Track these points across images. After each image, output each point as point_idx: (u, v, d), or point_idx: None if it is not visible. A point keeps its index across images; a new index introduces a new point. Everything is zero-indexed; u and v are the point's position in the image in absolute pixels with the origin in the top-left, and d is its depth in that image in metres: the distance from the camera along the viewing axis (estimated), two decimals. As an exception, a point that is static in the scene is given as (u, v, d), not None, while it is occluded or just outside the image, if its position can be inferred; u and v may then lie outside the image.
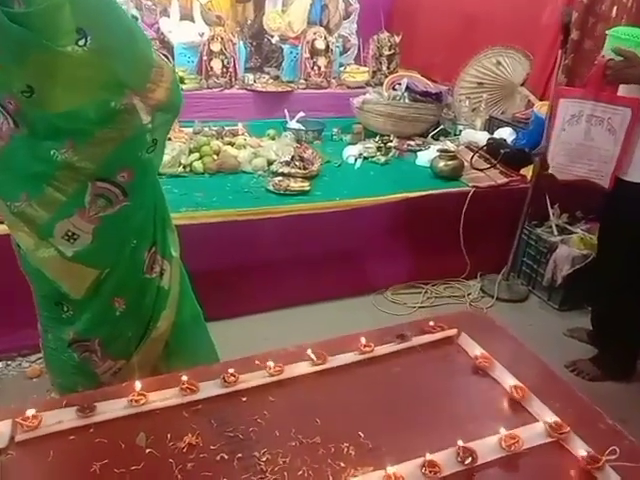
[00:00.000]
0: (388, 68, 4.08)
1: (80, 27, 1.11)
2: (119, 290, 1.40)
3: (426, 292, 2.77)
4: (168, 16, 3.66)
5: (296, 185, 2.57)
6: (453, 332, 1.39)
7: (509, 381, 1.22)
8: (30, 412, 1.04)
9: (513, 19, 3.56)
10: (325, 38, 3.86)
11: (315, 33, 3.84)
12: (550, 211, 2.78)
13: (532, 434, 1.08)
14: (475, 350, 1.32)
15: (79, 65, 1.13)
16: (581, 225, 2.76)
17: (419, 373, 1.28)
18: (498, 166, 2.93)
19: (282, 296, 2.53)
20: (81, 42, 1.12)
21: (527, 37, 3.47)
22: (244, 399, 1.15)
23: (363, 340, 1.31)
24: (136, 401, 1.11)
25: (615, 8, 2.33)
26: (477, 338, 1.37)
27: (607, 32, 1.87)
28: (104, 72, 1.16)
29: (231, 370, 1.18)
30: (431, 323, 1.41)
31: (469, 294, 2.77)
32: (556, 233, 2.72)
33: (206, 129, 3.10)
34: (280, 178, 2.63)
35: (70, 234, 1.28)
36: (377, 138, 3.28)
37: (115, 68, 1.17)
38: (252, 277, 2.43)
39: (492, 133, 3.33)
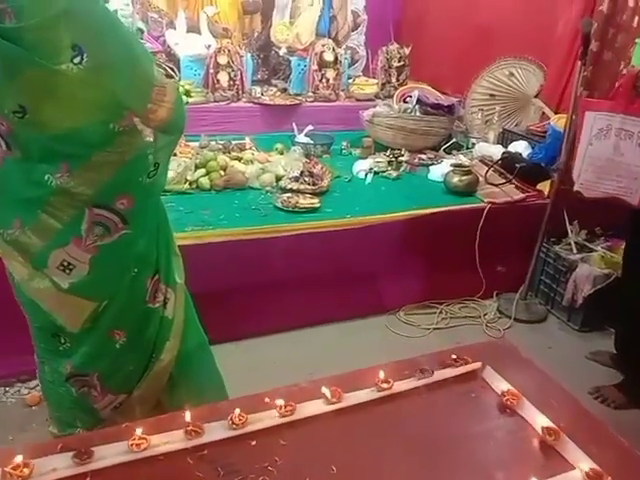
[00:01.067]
0: (397, 80, 4.03)
1: (76, 43, 1.04)
2: (119, 322, 1.32)
3: (441, 312, 2.68)
4: (174, 28, 3.63)
5: (305, 202, 2.49)
6: (477, 365, 1.30)
7: (540, 421, 1.12)
8: (20, 459, 0.96)
9: (526, 30, 3.49)
10: (333, 50, 3.80)
11: (323, 45, 3.79)
12: (569, 228, 2.69)
13: (570, 485, 0.99)
14: (501, 385, 1.23)
15: (75, 84, 1.05)
16: (601, 242, 2.66)
17: (442, 412, 1.19)
18: (514, 181, 2.85)
19: (291, 317, 2.45)
20: (77, 60, 1.04)
21: (540, 48, 3.40)
22: (253, 443, 1.06)
23: (381, 375, 1.22)
24: (137, 445, 1.02)
25: (637, 18, 2.25)
26: (502, 371, 1.28)
27: (637, 41, 1.79)
28: (102, 91, 1.08)
29: (238, 410, 1.10)
30: (453, 356, 1.32)
31: (485, 314, 2.67)
32: (575, 251, 2.62)
33: (213, 143, 3.04)
34: (289, 194, 2.56)
35: (66, 264, 1.20)
36: (388, 152, 3.21)
37: (113, 87, 1.09)
38: (260, 297, 2.36)
39: (506, 146, 3.25)
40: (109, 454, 1.01)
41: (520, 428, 1.14)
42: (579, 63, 2.28)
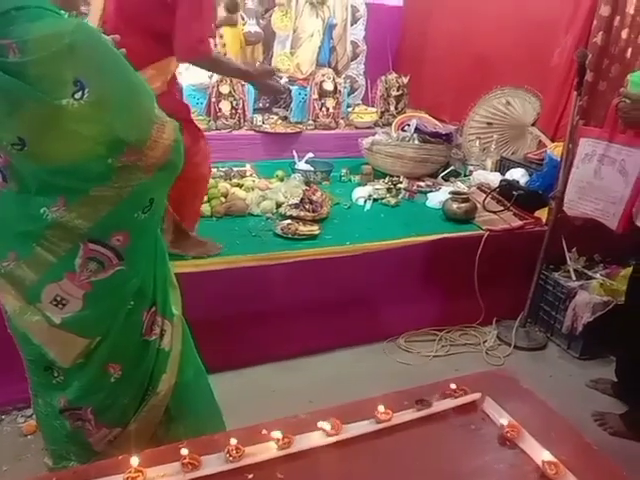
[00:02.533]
0: (396, 108, 4.08)
1: (77, 79, 1.05)
2: (114, 356, 1.30)
3: (440, 339, 2.66)
4: (177, 58, 3.68)
5: (305, 229, 2.50)
6: (477, 396, 1.29)
7: (541, 455, 1.11)
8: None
9: (522, 59, 3.54)
10: (333, 79, 3.87)
11: (323, 75, 3.85)
12: (567, 255, 2.69)
13: (572, 522, 0.97)
14: (502, 418, 1.21)
15: (75, 119, 1.06)
16: (600, 269, 2.66)
17: (441, 445, 1.18)
18: (512, 208, 2.86)
19: (290, 345, 2.43)
20: (78, 95, 1.05)
21: (537, 77, 3.45)
22: (250, 476, 1.05)
23: (381, 408, 1.20)
24: (132, 479, 1.01)
25: (630, 49, 2.30)
26: (503, 402, 1.27)
27: (628, 77, 1.84)
28: (101, 127, 1.08)
29: (235, 442, 1.08)
30: (452, 386, 1.31)
31: (485, 342, 2.66)
32: (574, 278, 2.62)
33: (214, 170, 3.06)
34: (289, 221, 2.57)
35: (59, 299, 1.19)
36: (387, 179, 3.24)
37: (113, 123, 1.09)
38: (259, 325, 2.34)
39: (503, 174, 3.27)
40: (104, 488, 1.00)
41: (521, 462, 1.13)
42: (575, 93, 2.32)
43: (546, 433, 1.19)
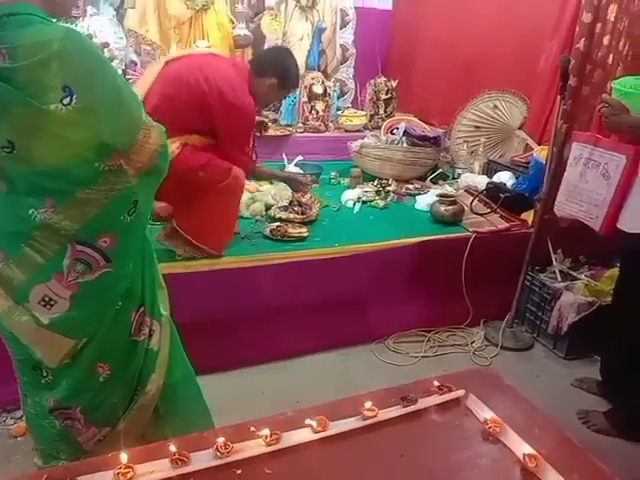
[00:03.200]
0: (385, 112, 4.12)
1: (66, 85, 1.07)
2: (102, 356, 1.31)
3: (429, 340, 2.69)
4: (167, 62, 3.69)
5: (294, 231, 2.53)
6: (461, 393, 1.32)
7: (522, 449, 1.14)
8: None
9: (509, 64, 3.60)
10: (323, 83, 3.90)
11: (313, 78, 3.89)
12: (553, 256, 2.74)
13: (550, 512, 1.00)
14: (484, 413, 1.24)
15: (63, 124, 1.08)
16: (585, 271, 2.71)
17: (425, 440, 1.21)
18: (498, 210, 2.90)
19: (279, 346, 2.45)
20: (66, 100, 1.07)
21: (524, 82, 3.50)
22: (239, 471, 1.07)
23: (367, 404, 1.23)
24: (123, 475, 1.02)
25: (611, 55, 2.35)
26: (486, 399, 1.30)
27: (610, 83, 1.89)
28: (89, 132, 1.11)
29: (223, 439, 1.10)
30: (436, 383, 1.34)
31: (473, 342, 2.69)
32: (560, 279, 2.66)
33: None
34: (278, 224, 2.59)
35: (47, 299, 1.20)
36: (375, 182, 3.27)
37: (100, 128, 1.11)
38: (248, 327, 2.36)
39: (491, 177, 3.32)
40: (94, 484, 1.01)
41: (502, 455, 1.15)
42: (559, 97, 2.37)
43: (528, 428, 1.22)
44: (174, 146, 2.00)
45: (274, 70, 2.15)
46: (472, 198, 3.00)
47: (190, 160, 2.04)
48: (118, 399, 1.38)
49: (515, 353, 2.64)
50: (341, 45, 4.34)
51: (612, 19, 2.29)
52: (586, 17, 2.26)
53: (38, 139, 1.09)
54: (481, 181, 3.21)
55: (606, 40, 2.31)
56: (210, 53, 2.18)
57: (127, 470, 1.03)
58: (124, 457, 1.05)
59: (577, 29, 2.34)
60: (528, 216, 2.83)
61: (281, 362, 2.44)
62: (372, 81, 4.18)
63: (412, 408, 1.26)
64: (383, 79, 4.17)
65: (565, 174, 2.22)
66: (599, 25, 2.27)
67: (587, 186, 2.10)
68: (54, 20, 1.16)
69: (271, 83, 2.16)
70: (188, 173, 2.02)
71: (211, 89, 2.01)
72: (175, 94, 2.01)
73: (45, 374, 1.32)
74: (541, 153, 2.90)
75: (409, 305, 2.72)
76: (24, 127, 1.08)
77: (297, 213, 2.67)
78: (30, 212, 1.13)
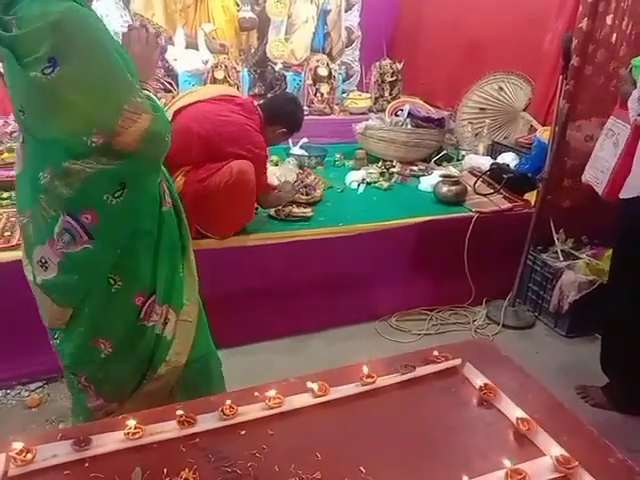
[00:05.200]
0: (390, 94, 4.13)
1: (52, 56, 1.10)
2: (100, 331, 1.36)
3: (431, 319, 2.74)
4: (173, 45, 3.72)
5: (299, 211, 2.57)
6: (457, 362, 1.36)
7: (515, 413, 1.19)
8: (22, 445, 1.02)
9: (514, 45, 3.60)
10: (328, 65, 3.91)
11: (318, 60, 3.90)
12: (555, 236, 2.76)
13: (539, 468, 1.05)
14: (480, 381, 1.29)
15: (41, 93, 1.12)
16: (587, 250, 2.73)
17: (422, 405, 1.25)
18: (502, 191, 2.93)
19: (285, 323, 2.50)
20: (47, 70, 1.10)
21: (528, 63, 3.51)
22: (243, 432, 1.12)
23: (365, 370, 1.28)
24: (132, 434, 1.08)
25: (615, 35, 2.35)
26: (482, 368, 1.34)
27: (632, 61, 1.94)
28: (69, 105, 1.13)
29: (229, 402, 1.16)
30: (435, 353, 1.39)
31: (474, 321, 2.74)
32: (561, 258, 2.69)
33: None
34: (282, 204, 2.63)
35: (43, 261, 1.29)
36: (380, 163, 3.30)
37: (82, 102, 1.13)
38: (254, 304, 2.41)
39: (495, 158, 3.34)
40: (106, 442, 1.07)
41: (496, 420, 1.20)
42: (561, 77, 2.39)
43: (521, 394, 1.26)
44: (180, 182, 2.13)
45: (284, 120, 2.36)
46: (475, 179, 3.02)
47: (193, 182, 2.14)
48: (124, 378, 1.42)
49: (516, 331, 2.69)
50: (347, 28, 4.34)
51: (615, -2, 2.29)
52: (590, -4, 2.26)
53: (34, 106, 1.16)
54: (485, 162, 3.23)
55: (609, 19, 2.31)
56: (215, 99, 2.23)
57: (137, 430, 1.09)
58: (133, 420, 1.11)
59: (580, 8, 2.34)
60: (531, 196, 2.85)
61: (286, 339, 2.49)
62: (377, 63, 4.18)
63: (410, 376, 1.31)
64: (388, 61, 4.17)
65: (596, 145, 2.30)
66: (602, 4, 2.27)
67: (601, 154, 2.18)
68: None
69: (281, 131, 2.37)
70: (195, 192, 2.12)
71: (222, 138, 2.14)
72: (185, 144, 2.07)
73: (56, 336, 1.39)
74: (544, 134, 2.91)
75: (412, 284, 2.76)
76: (25, 94, 1.16)
77: (302, 194, 2.70)
78: (39, 175, 1.21)
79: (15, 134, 2.79)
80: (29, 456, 1.01)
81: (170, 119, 2.11)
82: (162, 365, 1.44)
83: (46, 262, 1.28)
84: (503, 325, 2.70)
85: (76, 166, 1.17)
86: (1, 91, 3.01)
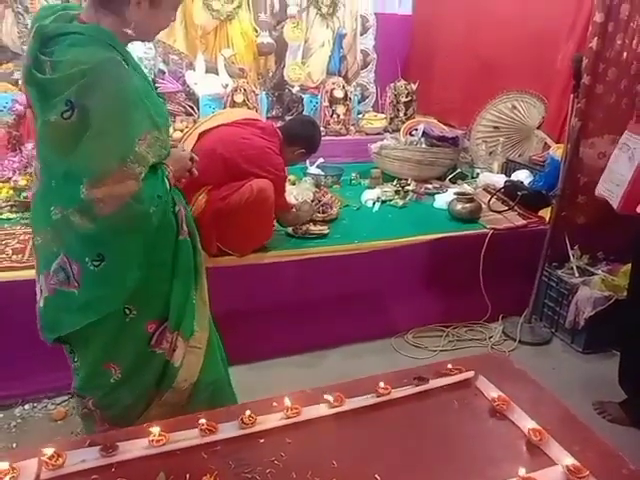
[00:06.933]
0: (405, 114, 4.19)
1: (72, 100, 1.15)
2: (111, 356, 1.41)
3: (447, 335, 2.75)
4: (194, 69, 3.85)
5: (315, 228, 2.62)
6: (470, 374, 1.39)
7: (527, 424, 1.21)
8: (53, 451, 1.08)
9: (527, 65, 3.65)
10: (343, 87, 4.00)
11: (334, 83, 3.99)
12: (570, 252, 2.77)
13: (550, 477, 1.07)
14: (493, 393, 1.32)
15: (56, 133, 1.19)
16: (602, 266, 2.73)
17: (436, 416, 1.29)
18: (516, 208, 2.96)
19: (301, 339, 2.53)
20: (66, 114, 1.16)
21: (542, 82, 3.55)
22: (262, 440, 1.17)
23: (381, 383, 1.32)
24: (157, 441, 1.14)
25: (625, 53, 2.39)
26: (495, 380, 1.37)
27: None
28: (71, 148, 1.19)
29: (249, 412, 1.21)
30: (449, 365, 1.42)
31: (491, 337, 2.74)
32: (577, 275, 2.70)
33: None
34: (300, 222, 2.69)
35: (42, 289, 1.37)
36: (395, 182, 3.35)
37: (80, 148, 1.18)
38: (271, 320, 2.45)
39: (509, 176, 3.37)
40: (132, 448, 1.12)
41: (509, 430, 1.23)
42: (572, 95, 2.43)
43: (534, 406, 1.29)
44: (202, 200, 2.21)
45: (303, 142, 2.45)
46: (490, 196, 3.06)
47: (215, 200, 2.22)
48: (131, 404, 1.47)
49: (533, 347, 2.69)
50: (362, 50, 4.44)
51: (625, 18, 2.33)
52: (598, 17, 2.30)
53: (50, 142, 1.23)
54: (499, 180, 3.26)
55: (619, 39, 2.36)
56: (238, 122, 2.34)
57: (160, 437, 1.14)
58: (156, 428, 1.16)
59: (590, 28, 2.39)
60: (546, 213, 2.87)
61: (303, 355, 2.52)
62: (392, 85, 4.26)
63: (424, 387, 1.35)
64: (403, 82, 4.24)
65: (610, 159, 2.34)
66: (612, 24, 2.32)
67: (616, 167, 2.21)
68: (119, 44, 1.27)
69: (299, 152, 2.47)
70: (217, 210, 2.20)
71: (244, 159, 2.23)
72: (209, 165, 2.13)
73: (75, 360, 1.45)
74: (557, 151, 2.94)
75: (428, 300, 2.78)
76: (43, 133, 1.23)
77: (318, 212, 2.76)
78: (51, 208, 1.27)
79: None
80: (60, 461, 1.07)
81: (195, 141, 2.20)
82: (169, 391, 1.48)
83: (42, 290, 1.36)
84: (519, 341, 2.70)
85: (72, 217, 1.23)
86: (30, 117, 3.16)
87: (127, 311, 1.38)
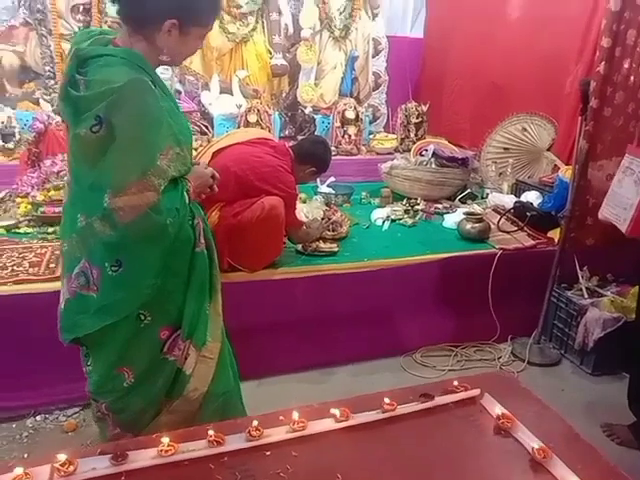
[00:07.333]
0: (416, 135, 4.24)
1: (101, 116, 1.23)
2: (125, 360, 1.45)
3: (456, 355, 2.75)
4: (209, 90, 3.95)
5: (325, 246, 2.66)
6: (476, 392, 1.40)
7: (532, 442, 1.22)
8: (65, 458, 1.11)
9: (537, 88, 3.70)
10: (355, 108, 4.07)
11: (345, 104, 4.07)
12: (579, 274, 2.78)
13: (553, 496, 1.08)
14: (498, 410, 1.33)
15: (86, 145, 1.27)
16: (612, 288, 2.73)
17: (441, 433, 1.29)
18: (525, 229, 2.97)
19: (310, 356, 2.54)
20: (95, 128, 1.24)
21: (552, 105, 3.59)
22: (268, 453, 1.19)
23: (387, 399, 1.33)
24: (165, 451, 1.16)
25: (632, 78, 2.41)
26: (501, 399, 1.38)
27: None
28: (99, 159, 1.26)
29: (256, 424, 1.23)
30: (455, 383, 1.43)
31: (499, 357, 2.74)
32: (586, 296, 2.70)
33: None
34: (310, 239, 2.72)
35: (64, 292, 1.43)
36: (404, 201, 3.38)
37: (107, 158, 1.26)
38: (279, 336, 2.47)
39: (519, 196, 3.39)
40: (141, 458, 1.15)
41: (513, 448, 1.23)
42: (580, 118, 2.46)
43: (539, 424, 1.29)
44: (215, 216, 2.26)
45: (313, 161, 2.52)
46: (499, 217, 3.08)
47: (227, 216, 2.28)
48: (142, 409, 1.50)
49: (542, 368, 2.68)
50: (374, 72, 4.52)
51: (631, 43, 2.36)
52: (605, 42, 2.34)
53: (80, 155, 1.31)
54: (509, 200, 3.28)
55: (626, 63, 2.39)
56: (251, 141, 2.40)
57: (169, 448, 1.17)
58: (167, 437, 1.19)
59: (597, 53, 2.43)
60: (555, 234, 2.88)
61: (312, 372, 2.53)
62: (403, 106, 4.32)
63: (429, 404, 1.36)
64: (414, 104, 4.31)
65: (612, 182, 2.35)
66: (619, 49, 2.35)
67: (621, 191, 2.22)
68: (146, 66, 1.35)
69: (310, 171, 2.53)
70: (229, 226, 2.25)
71: (257, 177, 2.29)
72: (223, 182, 2.19)
73: (89, 363, 1.49)
74: (566, 173, 2.96)
75: (437, 320, 2.79)
76: (73, 146, 1.32)
77: (328, 230, 2.80)
78: (78, 216, 1.35)
79: (61, 173, 2.99)
80: (71, 468, 1.10)
81: (209, 159, 2.27)
82: (179, 399, 1.51)
83: (63, 293, 1.43)
84: (528, 362, 2.69)
85: (95, 224, 1.30)
86: (50, 134, 3.25)
87: (142, 316, 1.42)
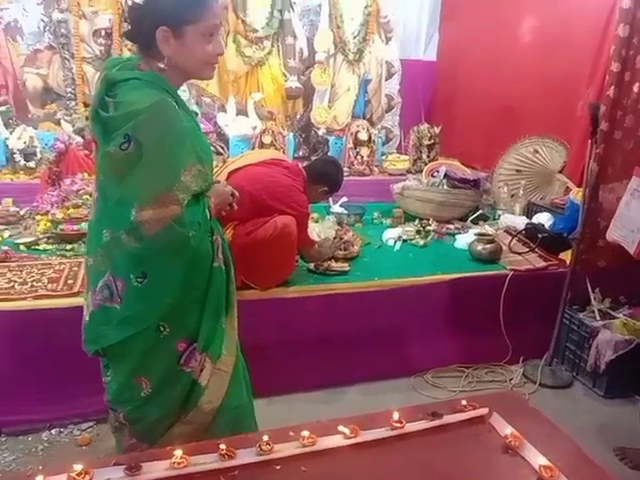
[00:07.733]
0: (428, 156, 4.30)
1: (129, 134, 1.30)
2: (143, 370, 1.48)
3: (467, 376, 2.74)
4: (225, 112, 4.04)
5: (337, 265, 2.69)
6: (484, 411, 1.41)
7: (539, 461, 1.23)
8: (81, 468, 1.14)
9: (549, 111, 3.74)
10: (368, 130, 4.14)
11: (358, 126, 4.14)
12: (591, 295, 2.77)
13: (560, 514, 1.08)
14: (506, 429, 1.34)
15: (115, 162, 1.33)
16: (624, 310, 2.72)
17: (449, 451, 1.31)
18: (537, 250, 2.98)
19: (320, 375, 2.55)
20: (124, 146, 1.31)
21: (563, 127, 3.62)
22: (278, 467, 1.21)
23: (395, 416, 1.35)
24: (178, 464, 1.19)
25: (642, 101, 2.45)
26: (509, 418, 1.38)
27: None
28: (127, 175, 1.33)
29: (266, 439, 1.25)
30: (464, 402, 1.45)
31: (511, 379, 2.73)
32: (598, 318, 2.69)
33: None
34: (322, 259, 2.76)
35: (89, 305, 1.48)
36: (416, 222, 3.42)
37: (134, 174, 1.33)
38: (290, 355, 2.49)
39: (531, 218, 3.40)
40: (155, 469, 1.17)
41: (520, 466, 1.24)
42: (590, 141, 2.49)
43: (546, 443, 1.30)
44: (229, 234, 2.31)
45: (326, 181, 2.58)
46: (511, 238, 3.09)
47: (241, 235, 2.33)
48: (158, 419, 1.53)
49: (554, 390, 2.66)
50: (387, 95, 4.60)
51: (640, 67, 2.41)
52: (615, 66, 2.38)
53: (109, 172, 1.38)
54: (520, 222, 3.30)
55: (636, 87, 2.42)
56: (265, 162, 2.48)
57: (182, 460, 1.19)
58: (180, 450, 1.22)
59: (607, 77, 2.47)
60: (566, 256, 2.89)
61: (322, 391, 2.54)
62: (415, 128, 4.38)
63: (438, 422, 1.37)
64: (426, 126, 4.37)
65: (619, 204, 2.37)
66: (628, 73, 2.39)
67: (629, 214, 2.25)
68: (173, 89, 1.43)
69: (323, 190, 2.59)
70: (243, 244, 2.28)
71: (270, 196, 2.36)
72: (238, 200, 2.29)
73: (108, 373, 1.53)
74: (578, 195, 2.98)
75: (448, 340, 2.79)
76: (102, 163, 1.39)
77: (340, 249, 2.84)
78: (103, 231, 1.41)
79: (81, 192, 3.08)
80: (87, 478, 1.13)
81: (224, 179, 2.33)
82: (193, 410, 1.54)
83: (89, 305, 1.48)
84: (540, 384, 2.68)
85: (122, 237, 1.36)
86: (70, 154, 3.35)
87: (161, 328, 1.47)
